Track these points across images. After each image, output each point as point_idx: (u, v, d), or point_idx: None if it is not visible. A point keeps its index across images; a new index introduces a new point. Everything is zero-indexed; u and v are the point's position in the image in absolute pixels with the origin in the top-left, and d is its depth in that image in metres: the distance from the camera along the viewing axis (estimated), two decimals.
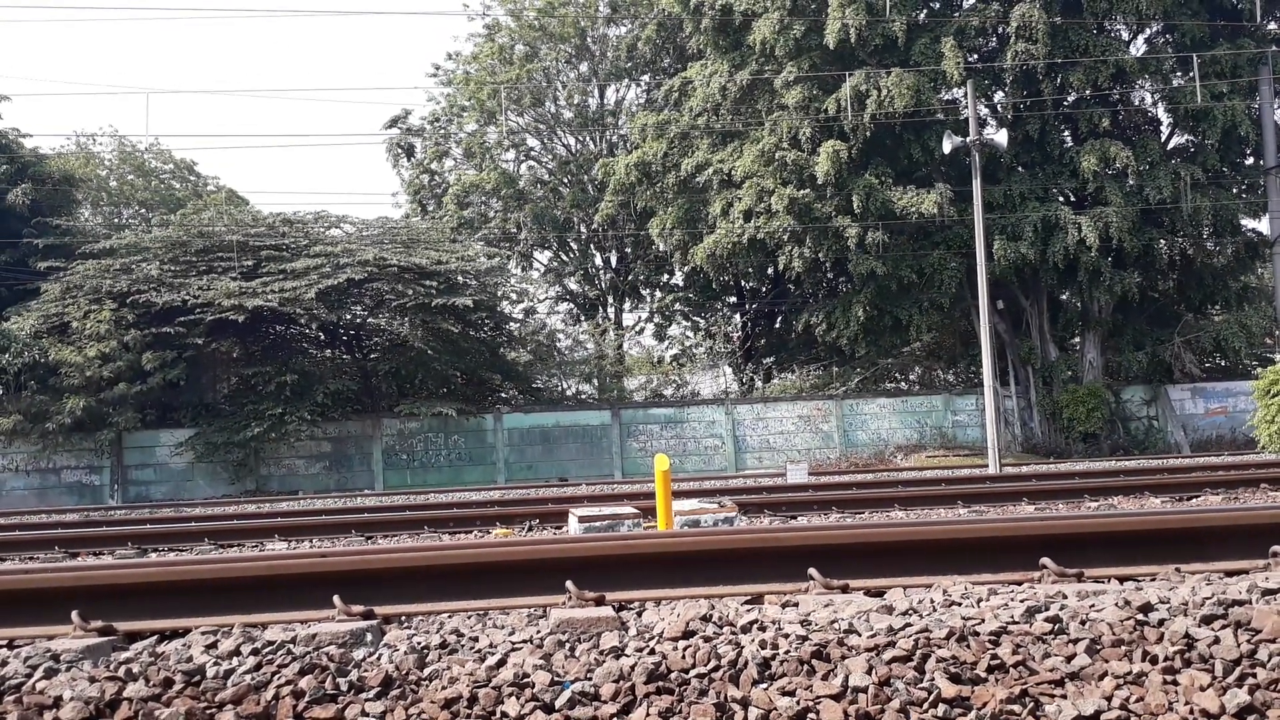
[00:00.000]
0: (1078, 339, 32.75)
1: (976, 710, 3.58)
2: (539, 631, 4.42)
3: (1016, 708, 3.59)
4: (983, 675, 3.76)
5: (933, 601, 4.53)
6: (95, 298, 28.06)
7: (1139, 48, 32.23)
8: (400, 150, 43.25)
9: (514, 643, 4.26)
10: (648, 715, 3.62)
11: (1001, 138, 23.70)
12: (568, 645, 4.19)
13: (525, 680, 3.84)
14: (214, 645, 4.35)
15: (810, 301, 34.00)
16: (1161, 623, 4.04)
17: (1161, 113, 32.19)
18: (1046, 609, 4.21)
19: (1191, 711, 3.55)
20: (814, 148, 29.67)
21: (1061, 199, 30.31)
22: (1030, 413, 31.35)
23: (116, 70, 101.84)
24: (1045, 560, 5.12)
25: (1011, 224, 28.62)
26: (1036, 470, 18.68)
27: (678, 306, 41.17)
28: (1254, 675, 3.67)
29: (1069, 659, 3.81)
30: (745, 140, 31.41)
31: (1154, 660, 3.78)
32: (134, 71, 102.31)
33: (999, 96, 31.38)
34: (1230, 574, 5.04)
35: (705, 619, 4.37)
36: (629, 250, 40.22)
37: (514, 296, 37.74)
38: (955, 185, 29.06)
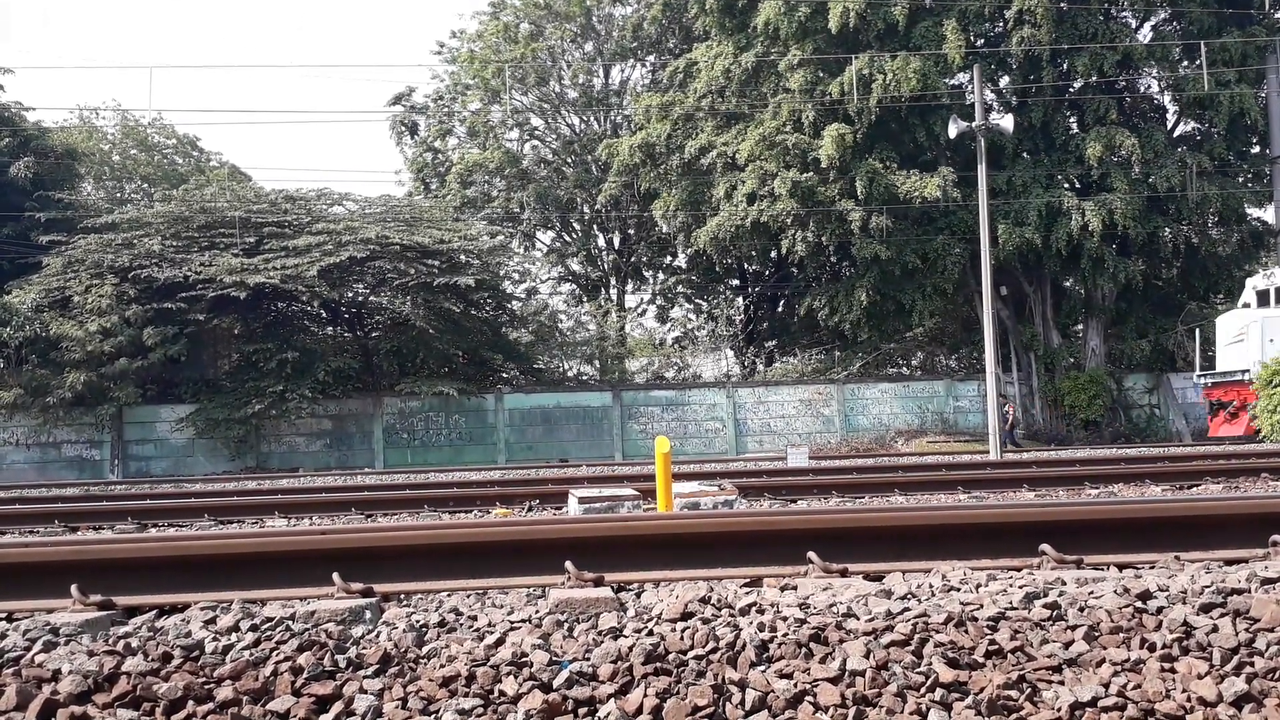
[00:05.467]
0: (1080, 326, 32.75)
1: (974, 695, 3.58)
2: (538, 611, 4.42)
3: (1014, 693, 3.59)
4: (980, 660, 3.76)
5: (931, 586, 4.53)
6: (97, 272, 28.04)
7: (1145, 34, 32.07)
8: (404, 128, 43.13)
9: (512, 622, 4.26)
10: (645, 696, 3.62)
11: (1006, 123, 23.60)
12: (566, 625, 4.19)
13: (523, 659, 3.84)
14: (213, 621, 4.35)
15: (813, 285, 33.96)
16: (1160, 610, 4.04)
17: (1168, 100, 32.08)
18: (1045, 595, 4.21)
19: (1189, 699, 3.55)
20: (818, 131, 29.57)
21: (1066, 185, 30.23)
22: (1032, 399, 31.37)
23: (120, 44, 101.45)
24: (1045, 546, 5.11)
25: (1016, 209, 28.54)
26: (1037, 457, 18.68)
27: (680, 289, 41.15)
28: (1252, 664, 3.67)
29: (1067, 645, 3.81)
30: (749, 123, 31.29)
31: (1152, 648, 3.78)
32: (137, 46, 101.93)
33: (1004, 82, 31.25)
34: (1229, 562, 5.04)
35: (704, 601, 4.37)
36: (632, 232, 40.15)
37: (516, 276, 37.73)
38: (960, 170, 28.98)
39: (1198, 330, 27.89)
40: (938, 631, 3.90)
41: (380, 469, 26.63)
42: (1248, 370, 23.64)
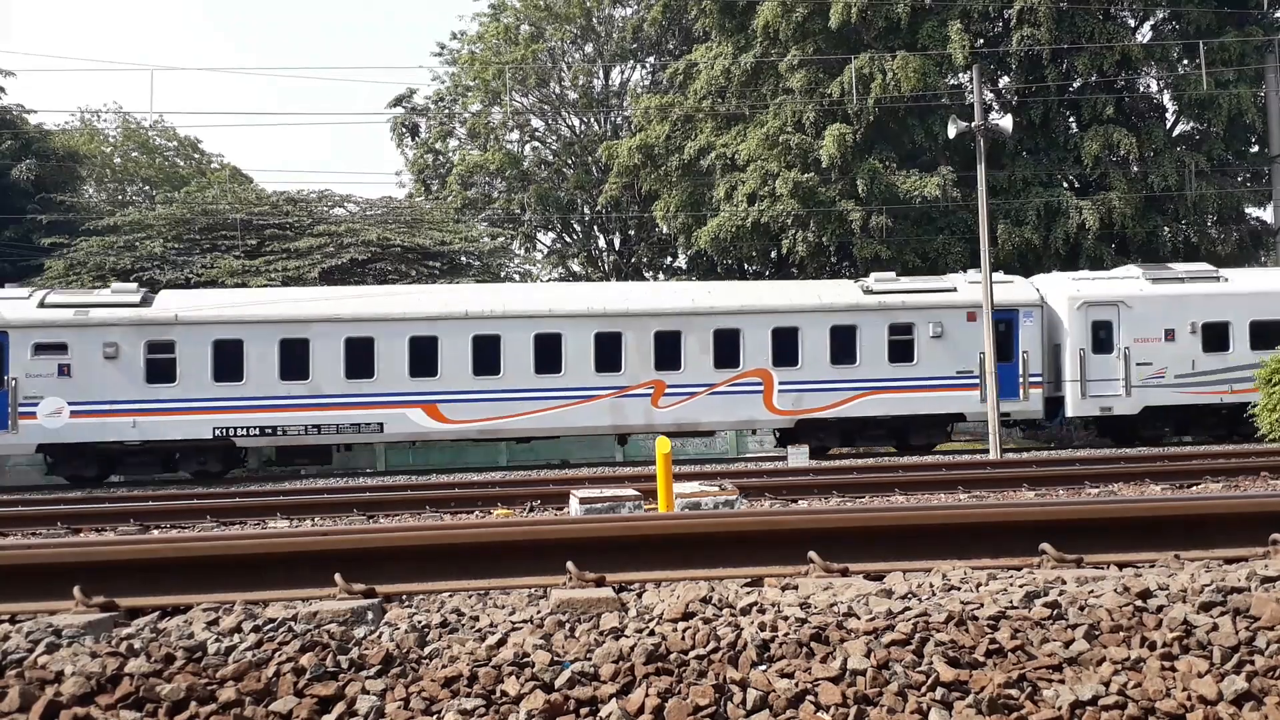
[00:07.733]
0: None
1: (974, 694, 3.59)
2: (539, 611, 4.42)
3: (1014, 692, 3.60)
4: (981, 659, 3.76)
5: (932, 586, 4.54)
6: (99, 274, 28.04)
7: (1145, 34, 32.08)
8: (405, 129, 43.14)
9: (514, 622, 4.27)
10: (647, 695, 3.63)
11: (1006, 122, 23.59)
12: (568, 625, 4.19)
13: (525, 660, 3.85)
14: (215, 622, 4.35)
15: None
16: (1160, 609, 4.04)
17: (1167, 100, 32.08)
18: (1045, 594, 4.21)
19: (1189, 698, 3.56)
20: (818, 131, 29.57)
21: (1065, 184, 30.23)
22: None
23: (121, 46, 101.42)
24: (1045, 546, 5.12)
25: (1015, 209, 28.54)
26: (1037, 456, 18.67)
27: None
28: (1252, 662, 3.68)
29: (1067, 644, 3.82)
30: (749, 124, 31.31)
31: (1152, 646, 3.79)
32: (138, 48, 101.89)
33: (1004, 81, 31.27)
34: (1229, 561, 5.04)
35: (705, 601, 4.38)
36: (633, 232, 40.16)
37: (517, 278, 37.71)
38: (959, 169, 28.98)
39: None
40: (938, 631, 3.90)
41: (381, 470, 26.61)
42: None
